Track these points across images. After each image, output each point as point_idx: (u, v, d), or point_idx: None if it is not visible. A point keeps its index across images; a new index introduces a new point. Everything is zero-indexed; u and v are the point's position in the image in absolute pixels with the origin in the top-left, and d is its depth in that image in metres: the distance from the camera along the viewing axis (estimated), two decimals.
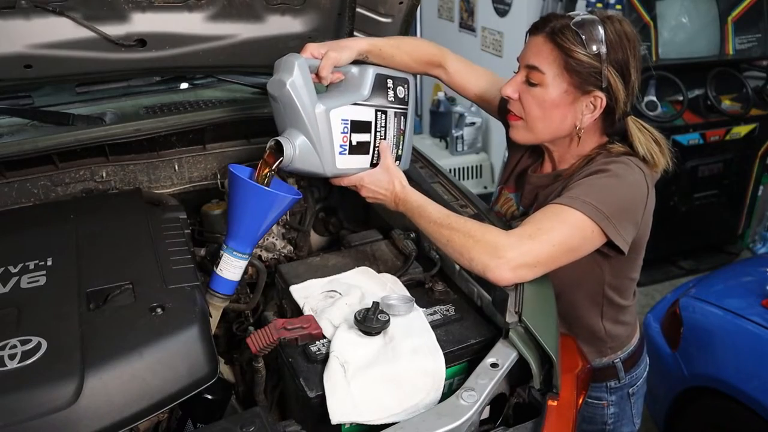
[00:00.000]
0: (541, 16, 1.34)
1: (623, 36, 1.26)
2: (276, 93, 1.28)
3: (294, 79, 1.25)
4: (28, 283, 1.16)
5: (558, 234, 1.20)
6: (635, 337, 1.53)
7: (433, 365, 1.14)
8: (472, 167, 4.32)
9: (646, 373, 1.58)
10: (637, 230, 1.30)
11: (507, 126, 1.44)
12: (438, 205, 1.31)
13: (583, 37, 1.23)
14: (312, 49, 1.32)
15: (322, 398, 1.08)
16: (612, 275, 1.38)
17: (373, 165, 1.41)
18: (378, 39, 1.43)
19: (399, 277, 1.40)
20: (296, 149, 1.30)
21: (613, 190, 1.25)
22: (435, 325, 1.23)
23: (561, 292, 1.33)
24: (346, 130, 1.34)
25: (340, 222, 1.96)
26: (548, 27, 1.27)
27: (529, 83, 1.30)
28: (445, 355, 1.16)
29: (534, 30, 1.31)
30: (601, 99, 1.27)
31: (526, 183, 1.48)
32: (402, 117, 1.48)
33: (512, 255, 1.16)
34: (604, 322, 1.44)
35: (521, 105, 1.33)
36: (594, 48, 1.23)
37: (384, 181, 1.37)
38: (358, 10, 1.67)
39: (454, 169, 4.24)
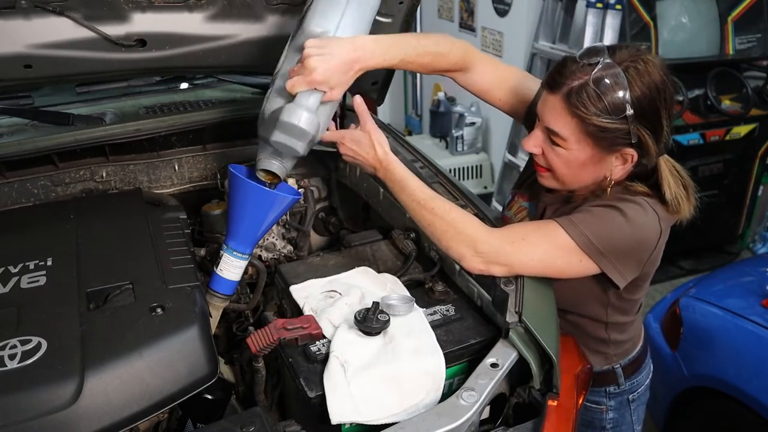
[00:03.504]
0: (557, 64, 1.19)
1: (652, 88, 1.13)
2: (285, 151, 1.27)
3: (306, 147, 1.27)
4: (28, 283, 1.16)
5: (540, 251, 1.20)
6: (639, 344, 1.51)
7: (433, 365, 1.14)
8: (472, 167, 4.32)
9: (648, 380, 1.56)
10: (641, 268, 1.27)
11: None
12: (420, 181, 1.28)
13: (606, 100, 1.11)
14: (318, 84, 1.20)
15: (322, 398, 1.08)
16: (617, 298, 1.35)
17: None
18: (389, 47, 1.28)
19: (399, 277, 1.40)
20: (285, 169, 1.31)
21: (615, 229, 1.20)
22: (435, 325, 1.23)
23: (564, 311, 1.32)
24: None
25: (340, 222, 1.95)
26: (564, 87, 1.15)
27: (552, 142, 1.22)
28: (445, 355, 1.16)
29: (548, 87, 1.19)
30: (632, 155, 1.19)
31: (539, 200, 1.44)
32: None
33: (488, 252, 1.19)
34: (608, 331, 1.42)
35: (546, 160, 1.26)
36: (619, 112, 1.12)
37: (365, 144, 1.30)
38: None
39: (454, 169, 4.24)
